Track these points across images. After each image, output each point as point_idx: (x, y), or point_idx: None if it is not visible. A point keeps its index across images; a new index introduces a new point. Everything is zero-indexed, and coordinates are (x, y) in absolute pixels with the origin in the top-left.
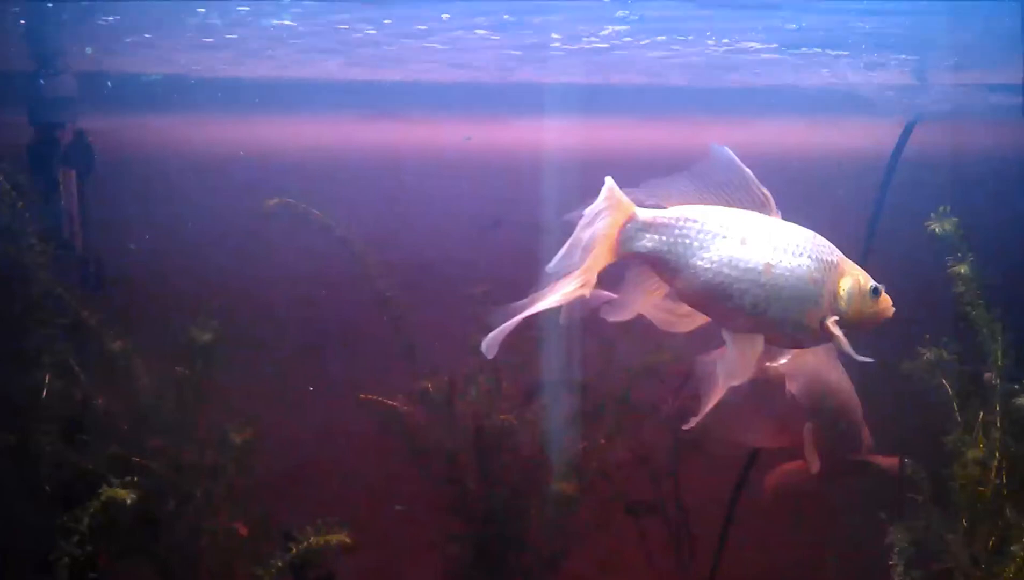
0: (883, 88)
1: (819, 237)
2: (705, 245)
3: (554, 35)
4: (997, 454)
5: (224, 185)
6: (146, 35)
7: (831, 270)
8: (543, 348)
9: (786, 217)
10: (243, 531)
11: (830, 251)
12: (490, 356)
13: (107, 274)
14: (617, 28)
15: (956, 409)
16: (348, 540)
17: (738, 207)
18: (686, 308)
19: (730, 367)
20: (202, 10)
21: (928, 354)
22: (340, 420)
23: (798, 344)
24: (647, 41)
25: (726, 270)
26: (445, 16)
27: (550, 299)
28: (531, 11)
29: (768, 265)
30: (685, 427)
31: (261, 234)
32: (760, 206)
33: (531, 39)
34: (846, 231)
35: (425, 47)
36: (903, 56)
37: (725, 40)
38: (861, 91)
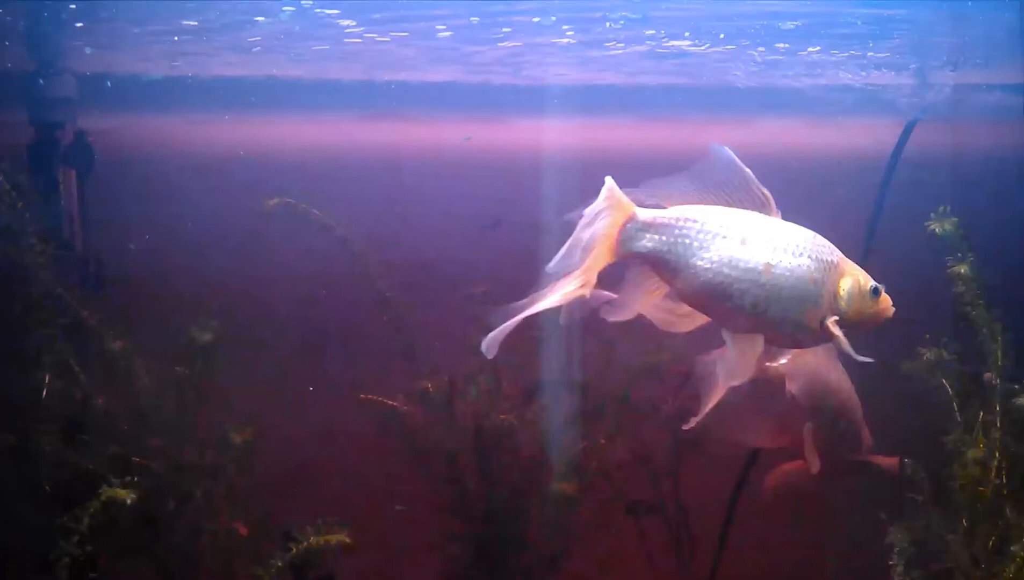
0: (884, 88)
1: (819, 237)
2: (705, 245)
3: (557, 25)
4: (997, 454)
5: (224, 185)
6: (146, 35)
7: (831, 270)
8: (543, 348)
9: (786, 217)
10: (243, 531)
11: (830, 251)
12: (490, 356)
13: (107, 274)
14: (618, 28)
15: (956, 409)
16: (348, 540)
17: (738, 207)
18: (686, 308)
19: (730, 367)
20: (203, 11)
21: (928, 354)
22: (340, 420)
23: (798, 344)
24: (646, 42)
25: (726, 270)
26: (445, 14)
27: (550, 299)
28: (532, 11)
29: (768, 265)
30: (685, 427)
31: (261, 234)
32: (760, 206)
33: (531, 39)
34: (846, 231)
35: (425, 47)
36: (903, 56)
37: (726, 41)
38: (862, 91)
